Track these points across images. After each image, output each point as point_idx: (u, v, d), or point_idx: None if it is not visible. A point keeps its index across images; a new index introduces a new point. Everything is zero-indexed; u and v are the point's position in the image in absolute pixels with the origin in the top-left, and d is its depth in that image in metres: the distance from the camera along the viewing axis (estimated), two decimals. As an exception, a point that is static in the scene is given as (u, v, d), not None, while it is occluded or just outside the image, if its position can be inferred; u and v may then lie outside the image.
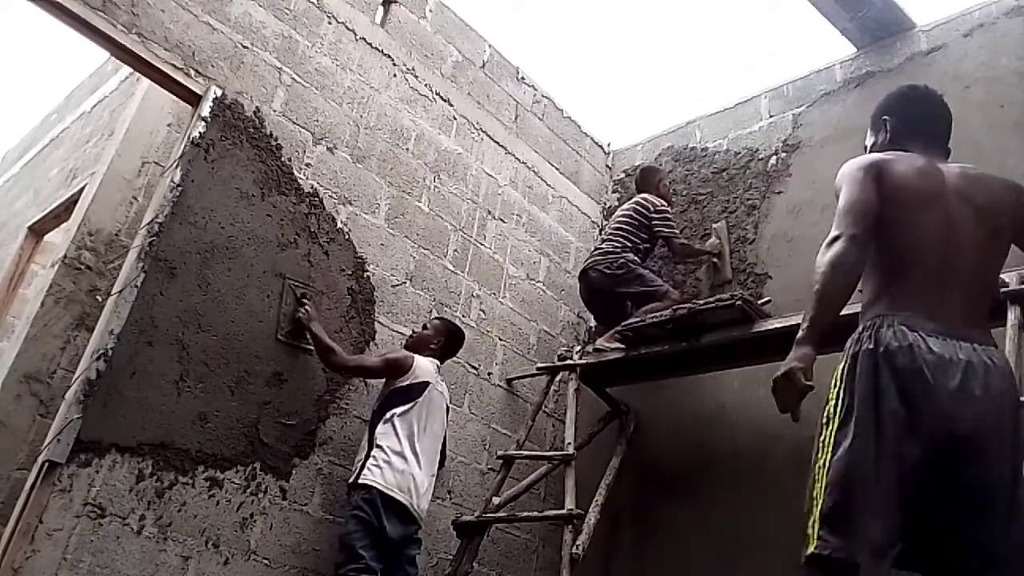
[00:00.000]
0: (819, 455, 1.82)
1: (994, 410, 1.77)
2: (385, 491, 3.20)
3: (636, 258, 4.32)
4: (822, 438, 1.84)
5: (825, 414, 1.86)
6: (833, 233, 1.92)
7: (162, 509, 3.01)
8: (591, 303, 4.62)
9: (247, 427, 3.30)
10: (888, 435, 1.73)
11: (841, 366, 1.90)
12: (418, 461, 3.35)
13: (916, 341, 1.78)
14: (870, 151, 2.24)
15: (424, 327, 3.82)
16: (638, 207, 4.47)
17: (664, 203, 4.49)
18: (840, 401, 1.83)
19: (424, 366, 3.53)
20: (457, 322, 4.14)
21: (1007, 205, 2.00)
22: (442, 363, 3.72)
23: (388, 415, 3.36)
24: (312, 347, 3.47)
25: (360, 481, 3.23)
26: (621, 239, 4.36)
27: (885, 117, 2.25)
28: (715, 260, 4.52)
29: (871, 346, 1.83)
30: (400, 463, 3.27)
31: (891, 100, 2.28)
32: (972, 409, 1.75)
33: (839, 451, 1.76)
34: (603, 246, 4.43)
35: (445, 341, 3.76)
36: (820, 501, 1.76)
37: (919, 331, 1.80)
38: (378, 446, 3.30)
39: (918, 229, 1.93)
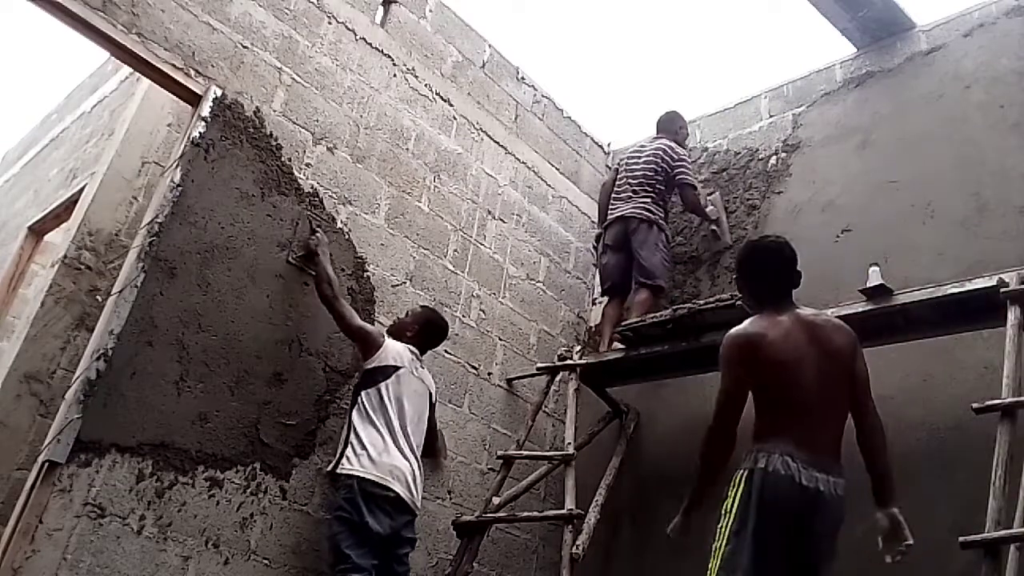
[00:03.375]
0: (716, 540, 2.39)
1: (830, 528, 2.39)
2: (365, 477, 3.16)
3: (666, 235, 4.53)
4: (720, 526, 2.41)
5: (724, 507, 2.42)
6: (709, 424, 2.54)
7: (162, 509, 3.01)
8: (616, 250, 4.55)
9: (247, 427, 3.30)
10: (767, 538, 2.31)
11: (740, 474, 2.42)
12: (397, 446, 3.31)
13: (794, 471, 2.33)
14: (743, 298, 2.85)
15: (406, 314, 3.79)
16: (663, 154, 4.54)
17: (684, 150, 4.66)
18: (736, 503, 2.38)
19: (395, 350, 3.50)
20: (456, 322, 4.14)
21: (848, 351, 2.53)
22: (423, 353, 3.67)
23: (359, 401, 3.35)
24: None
25: (338, 471, 3.21)
26: (657, 194, 4.48)
27: (740, 282, 2.80)
28: (714, 228, 4.63)
29: (764, 467, 2.37)
30: (376, 451, 3.24)
31: (738, 265, 2.81)
32: (819, 527, 2.35)
33: (732, 543, 2.34)
34: (644, 197, 4.48)
35: (421, 329, 3.69)
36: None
37: (797, 463, 2.35)
38: (355, 434, 3.27)
39: (790, 383, 2.45)
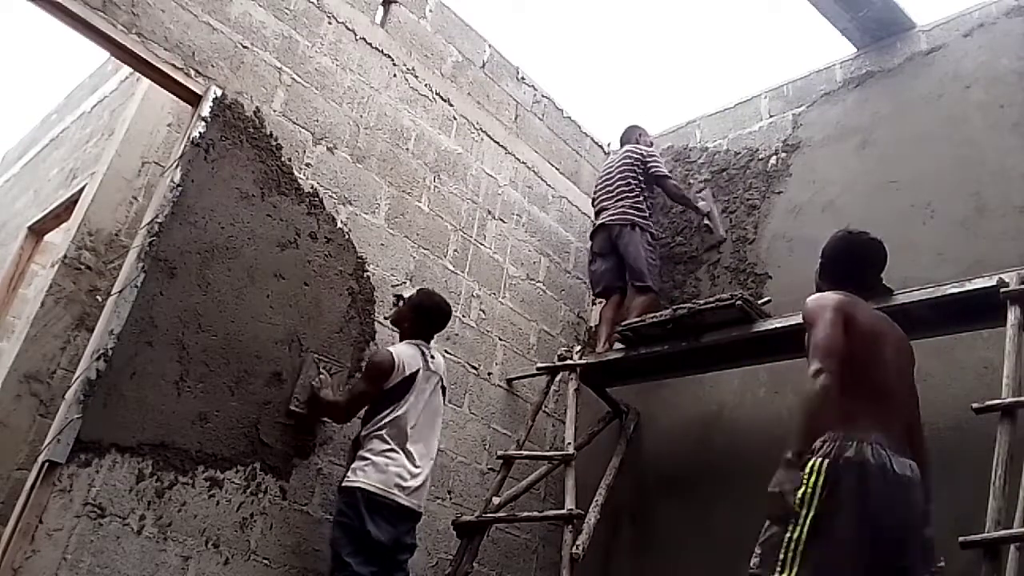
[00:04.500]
0: (793, 530, 2.15)
1: (917, 513, 2.27)
2: (368, 489, 3.12)
3: (653, 232, 4.58)
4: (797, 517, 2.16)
5: (802, 495, 2.16)
6: (816, 366, 2.25)
7: (162, 509, 3.01)
8: (604, 256, 4.61)
9: (247, 427, 3.30)
10: (862, 530, 2.14)
11: (820, 462, 2.20)
12: (408, 456, 3.25)
13: (886, 462, 2.20)
14: (819, 281, 2.68)
15: (404, 301, 3.64)
16: (630, 157, 4.69)
17: (650, 147, 4.79)
18: (821, 492, 2.16)
19: (405, 356, 3.38)
20: (456, 322, 4.13)
21: (913, 358, 2.51)
22: (430, 339, 3.57)
23: (376, 419, 3.26)
24: (326, 418, 3.51)
25: (344, 485, 3.18)
26: (634, 197, 4.54)
27: (824, 261, 2.67)
28: (707, 223, 4.68)
29: (855, 457, 2.19)
30: (385, 461, 3.18)
31: (834, 246, 2.68)
32: (909, 513, 2.23)
33: (817, 539, 2.11)
34: (621, 202, 4.56)
35: (416, 317, 3.52)
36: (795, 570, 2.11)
37: (887, 451, 2.21)
38: (365, 448, 3.22)
39: (876, 364, 2.35)
